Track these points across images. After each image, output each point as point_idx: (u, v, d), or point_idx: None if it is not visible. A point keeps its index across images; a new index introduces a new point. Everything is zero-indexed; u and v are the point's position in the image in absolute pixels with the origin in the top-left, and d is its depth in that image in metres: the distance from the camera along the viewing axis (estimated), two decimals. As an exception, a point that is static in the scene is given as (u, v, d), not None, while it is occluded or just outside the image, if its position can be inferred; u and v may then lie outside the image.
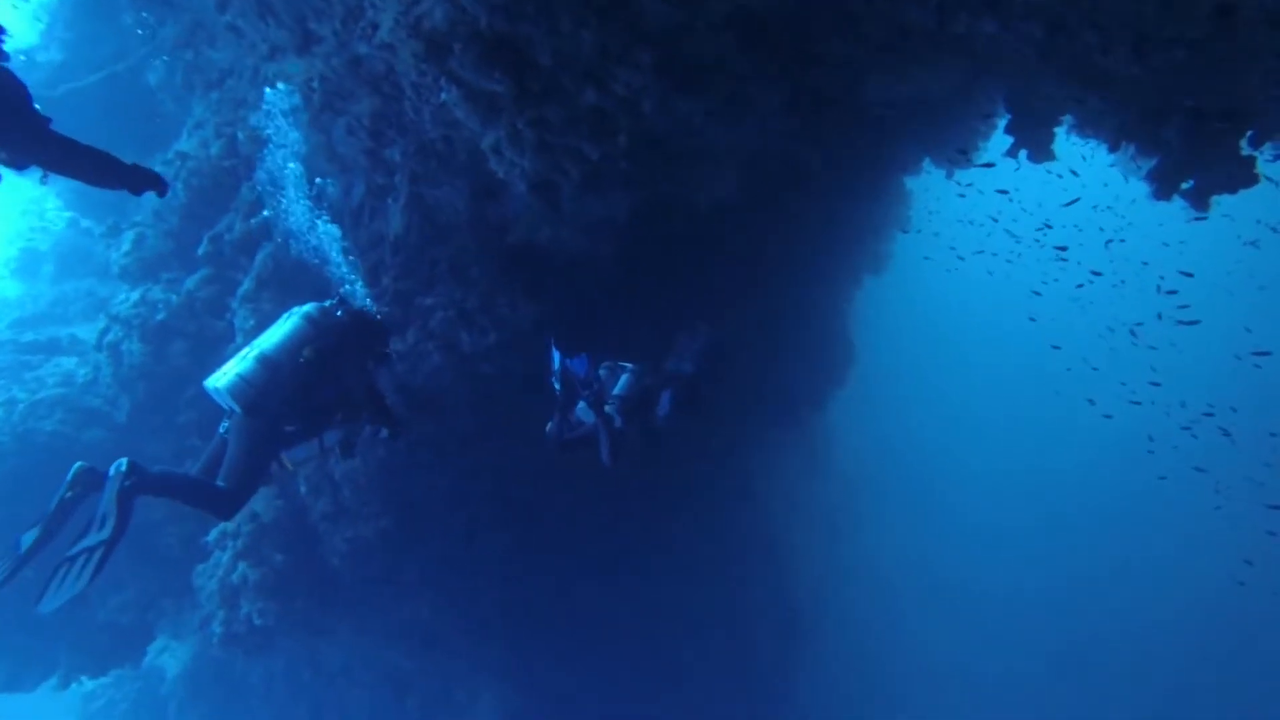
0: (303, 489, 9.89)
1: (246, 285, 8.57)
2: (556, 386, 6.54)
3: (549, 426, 6.58)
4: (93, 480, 4.35)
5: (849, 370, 15.93)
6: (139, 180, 3.94)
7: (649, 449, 6.81)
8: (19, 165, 3.44)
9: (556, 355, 6.50)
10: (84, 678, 10.89)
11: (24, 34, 12.66)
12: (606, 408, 6.39)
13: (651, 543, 11.92)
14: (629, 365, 6.67)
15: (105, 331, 8.91)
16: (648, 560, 12.02)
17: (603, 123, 5.54)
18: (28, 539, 4.26)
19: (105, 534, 4.07)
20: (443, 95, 5.48)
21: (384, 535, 9.76)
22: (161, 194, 4.15)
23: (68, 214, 13.80)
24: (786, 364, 13.18)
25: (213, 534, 9.39)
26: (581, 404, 6.49)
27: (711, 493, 12.89)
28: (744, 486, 14.29)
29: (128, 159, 3.92)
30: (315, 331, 5.02)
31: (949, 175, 11.14)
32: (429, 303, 8.48)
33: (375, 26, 5.53)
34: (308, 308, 5.19)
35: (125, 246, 9.15)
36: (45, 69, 12.14)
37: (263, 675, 13.80)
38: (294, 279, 8.61)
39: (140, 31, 10.07)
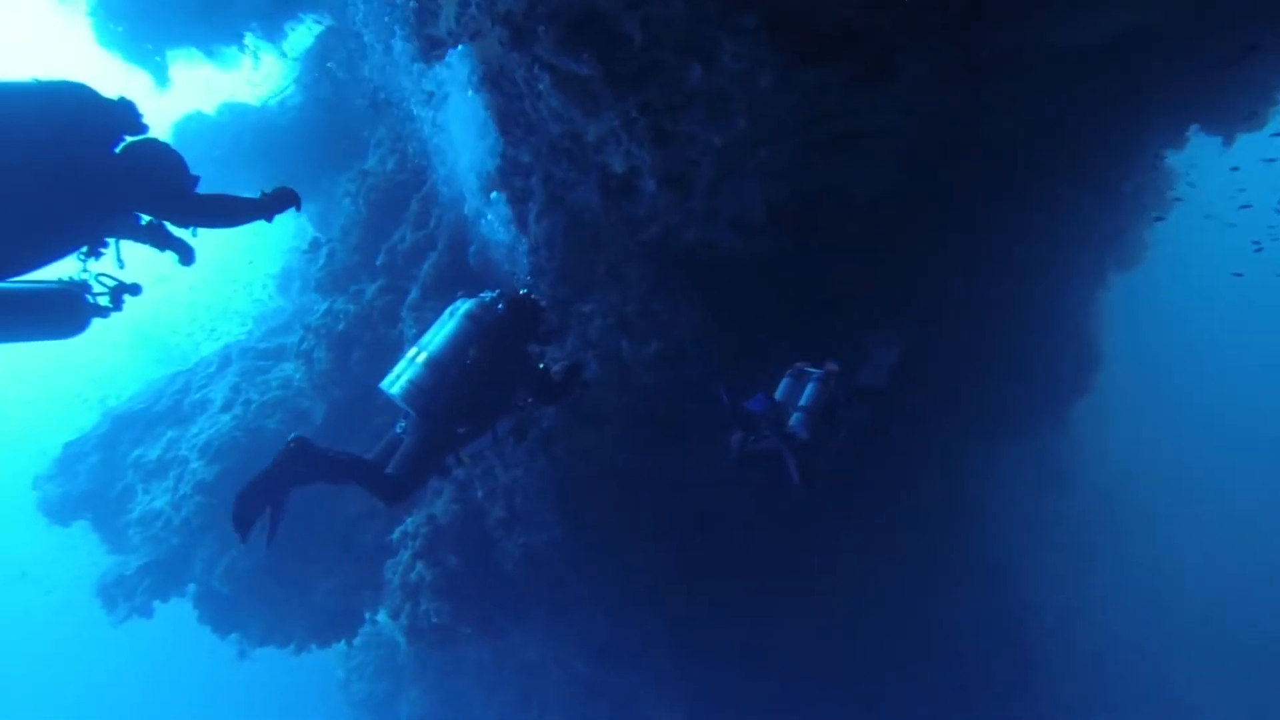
0: (479, 494, 9.98)
1: (413, 294, 8.73)
2: (724, 398, 6.01)
3: (733, 438, 6.06)
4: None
5: (1092, 376, 13.25)
6: (270, 208, 4.06)
7: (842, 462, 6.37)
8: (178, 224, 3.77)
9: (725, 399, 5.96)
10: (313, 645, 11.91)
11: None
12: (791, 423, 5.85)
13: (849, 561, 10.72)
14: (815, 370, 6.02)
15: (302, 340, 9.52)
16: (844, 579, 10.82)
17: (719, 104, 4.60)
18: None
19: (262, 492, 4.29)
20: (539, 85, 4.85)
21: (556, 545, 9.62)
22: (297, 208, 4.20)
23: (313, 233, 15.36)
24: (1011, 371, 11.18)
25: (395, 532, 9.74)
26: (794, 419, 5.94)
27: (921, 509, 11.31)
28: (963, 504, 12.42)
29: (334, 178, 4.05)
30: (478, 330, 4.90)
31: (1227, 144, 8.60)
32: (587, 309, 8.15)
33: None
34: (469, 305, 5.04)
35: (320, 261, 9.72)
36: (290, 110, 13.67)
37: (476, 660, 14.45)
38: (457, 287, 8.65)
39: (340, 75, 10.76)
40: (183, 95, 14.38)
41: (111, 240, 3.64)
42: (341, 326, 9.10)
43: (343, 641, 12.16)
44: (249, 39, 13.66)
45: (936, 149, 6.47)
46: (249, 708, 28.71)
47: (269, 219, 4.11)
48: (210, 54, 13.59)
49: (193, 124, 14.07)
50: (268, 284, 16.55)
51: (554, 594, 10.08)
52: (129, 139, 3.47)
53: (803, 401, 5.90)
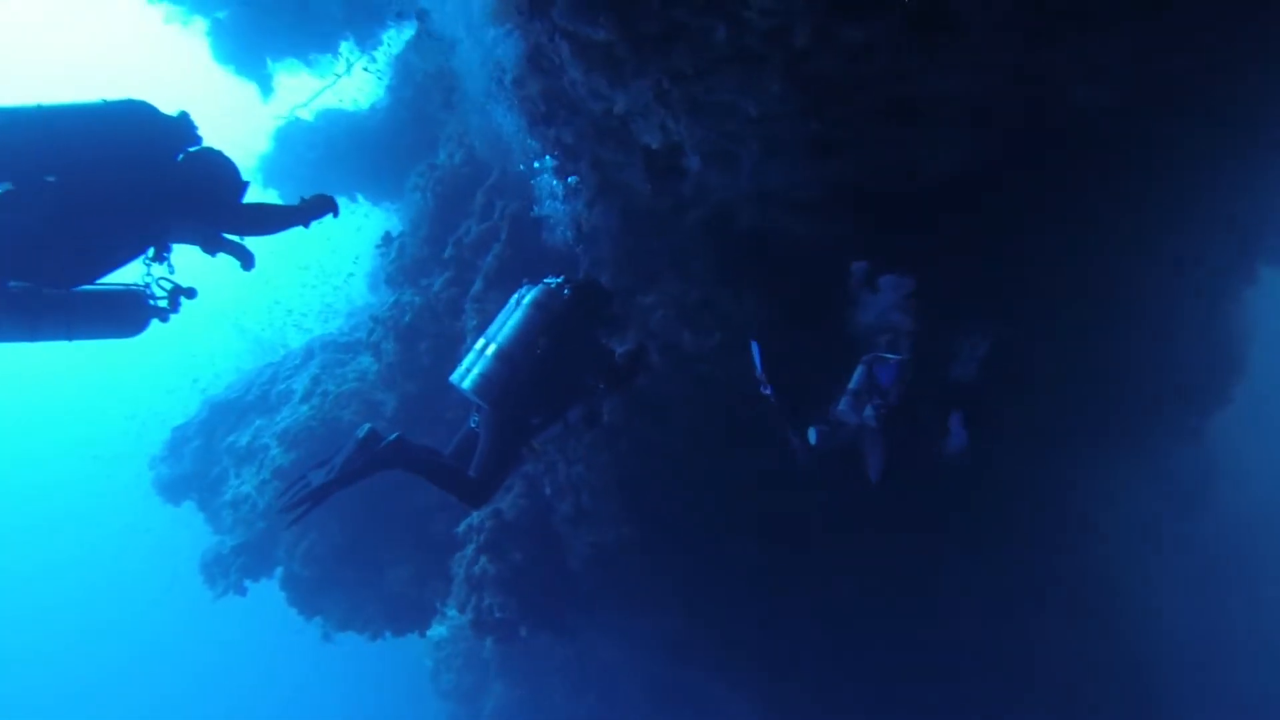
0: (547, 490, 9.92)
1: (477, 286, 8.73)
2: (767, 392, 5.93)
3: (811, 431, 5.84)
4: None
5: (1232, 385, 11.73)
6: (308, 214, 4.27)
7: (928, 465, 5.94)
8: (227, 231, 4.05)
9: (758, 358, 5.89)
10: (388, 633, 12.18)
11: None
12: (869, 409, 5.63)
13: (939, 571, 9.95)
14: (893, 357, 5.79)
15: (371, 333, 9.72)
16: (935, 592, 10.04)
17: (752, 68, 4.22)
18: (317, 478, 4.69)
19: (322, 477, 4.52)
20: (560, 56, 4.64)
21: (624, 543, 9.42)
22: (334, 214, 4.43)
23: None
24: (1130, 376, 10.07)
25: (461, 525, 9.78)
26: (843, 403, 5.75)
27: (1022, 524, 10.35)
28: (1076, 521, 11.28)
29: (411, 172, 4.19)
30: (546, 318, 4.92)
31: None
32: (648, 300, 7.93)
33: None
34: (535, 292, 5.07)
35: (391, 255, 9.90)
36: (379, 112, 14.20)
37: (560, 657, 14.44)
38: (520, 278, 8.59)
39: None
40: (285, 103, 15.18)
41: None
42: (408, 319, 9.24)
43: (415, 632, 12.35)
44: (344, 48, 14.29)
45: (1023, 119, 5.82)
46: (342, 690, 30.03)
47: (306, 225, 4.30)
48: (309, 63, 14.31)
49: (293, 129, 14.80)
50: (359, 282, 17.28)
51: (625, 593, 9.90)
52: (189, 150, 3.74)
53: (882, 386, 5.66)
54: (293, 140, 14.70)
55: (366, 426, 4.75)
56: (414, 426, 10.53)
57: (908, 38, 4.00)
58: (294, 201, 4.30)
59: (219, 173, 3.86)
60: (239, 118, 15.20)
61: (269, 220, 4.17)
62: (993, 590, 10.23)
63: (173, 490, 12.71)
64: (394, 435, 4.74)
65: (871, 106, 4.63)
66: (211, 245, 3.98)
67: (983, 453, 5.80)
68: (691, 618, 10.03)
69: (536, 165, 6.67)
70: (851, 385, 5.75)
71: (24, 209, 3.12)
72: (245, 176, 4.04)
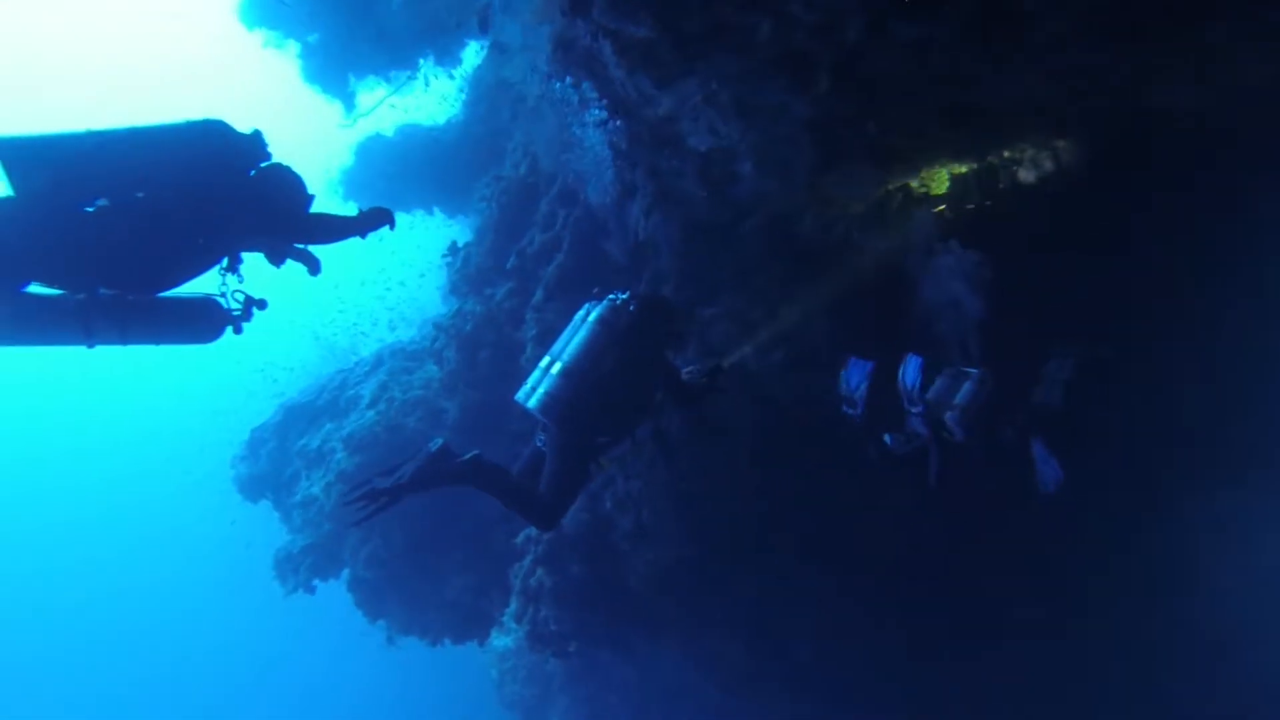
0: (608, 504, 9.84)
1: (537, 295, 8.78)
2: (851, 412, 5.89)
3: (886, 439, 5.79)
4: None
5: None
6: (365, 226, 4.42)
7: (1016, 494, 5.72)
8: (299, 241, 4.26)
9: (854, 372, 5.86)
10: (447, 640, 12.31)
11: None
12: (947, 417, 5.45)
13: (1030, 610, 9.28)
14: (973, 370, 5.61)
15: (434, 340, 9.89)
16: (1025, 637, 9.36)
17: (800, 68, 4.06)
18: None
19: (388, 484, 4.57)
20: (603, 56, 4.58)
21: (685, 562, 9.23)
22: (390, 227, 4.56)
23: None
24: (1256, 398, 9.19)
25: (520, 536, 9.79)
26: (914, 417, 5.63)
27: (1131, 573, 9.51)
28: (1187, 564, 10.19)
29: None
30: (612, 336, 4.89)
31: None
32: (709, 314, 7.81)
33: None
34: (600, 309, 5.04)
35: (457, 264, 10.07)
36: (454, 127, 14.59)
37: (622, 677, 14.30)
38: (581, 290, 8.59)
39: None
40: (366, 119, 15.76)
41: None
42: (469, 327, 9.34)
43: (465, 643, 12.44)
44: (423, 65, 14.77)
45: (1105, 125, 5.46)
46: (408, 694, 30.55)
47: (363, 236, 4.45)
48: (389, 81, 14.81)
49: (373, 144, 15.36)
50: (432, 292, 17.74)
51: (685, 614, 9.70)
52: (262, 165, 3.96)
53: (959, 399, 5.45)
54: (372, 155, 15.25)
55: (438, 441, 4.79)
56: (475, 434, 10.63)
57: (968, 36, 3.77)
58: None
59: (287, 186, 4.04)
60: (325, 133, 15.88)
61: (330, 231, 4.29)
62: (1090, 640, 9.47)
63: (251, 489, 13.23)
64: (472, 453, 4.77)
65: (934, 109, 4.39)
66: (277, 256, 4.15)
67: (1080, 488, 5.48)
68: (754, 643, 9.75)
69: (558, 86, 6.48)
70: (931, 395, 5.58)
71: (116, 223, 3.36)
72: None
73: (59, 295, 3.36)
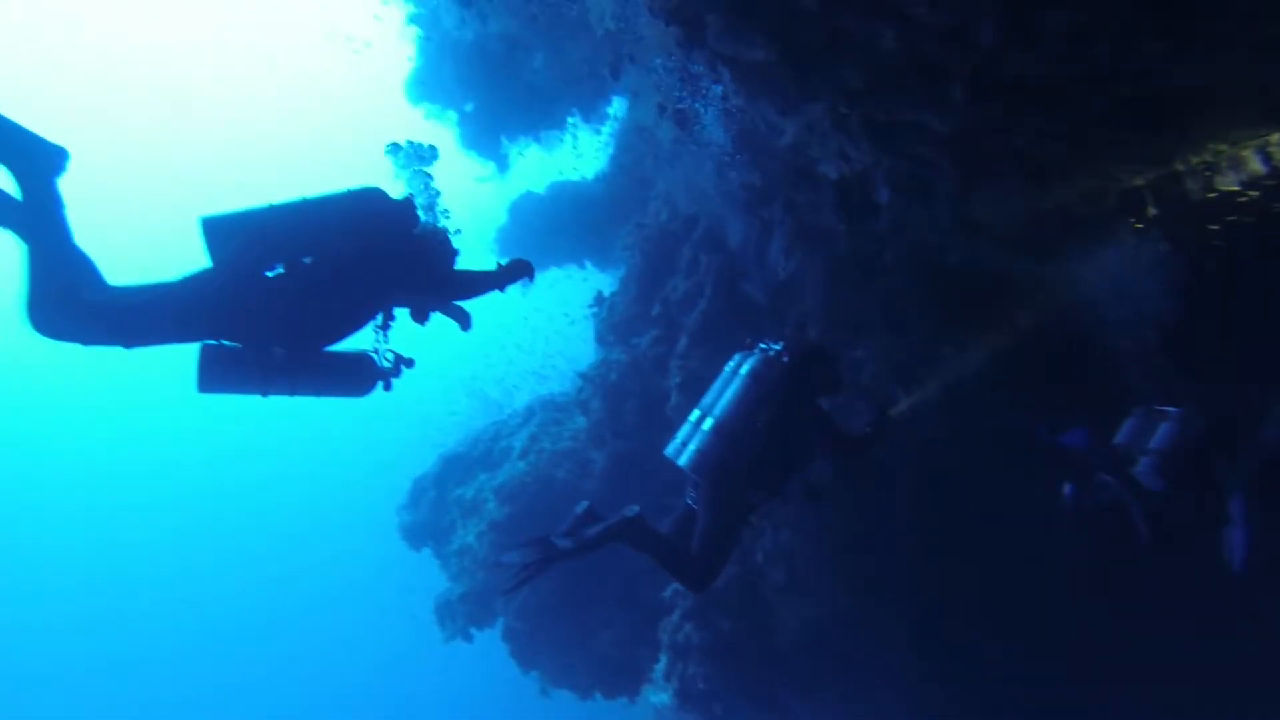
0: (759, 557, 9.55)
1: (682, 343, 8.74)
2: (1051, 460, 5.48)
3: (1065, 490, 5.38)
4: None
5: None
6: (505, 279, 4.53)
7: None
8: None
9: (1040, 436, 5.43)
10: (597, 694, 12.25)
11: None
12: (1139, 468, 5.02)
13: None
14: (1171, 410, 5.11)
15: (580, 391, 10.05)
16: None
17: (933, 78, 3.74)
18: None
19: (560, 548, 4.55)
20: (717, 86, 4.47)
21: (839, 616, 8.78)
22: (530, 279, 4.64)
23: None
24: None
25: (668, 589, 9.63)
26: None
27: None
28: None
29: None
30: (764, 389, 4.80)
31: None
32: (858, 354, 7.47)
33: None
34: (752, 361, 4.97)
35: (603, 314, 10.25)
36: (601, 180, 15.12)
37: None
38: (726, 336, 8.48)
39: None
40: (517, 178, 16.64)
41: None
42: (614, 377, 9.43)
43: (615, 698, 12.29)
44: (571, 123, 15.45)
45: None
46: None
47: (503, 289, 4.54)
48: (539, 139, 15.59)
49: (525, 201, 16.16)
50: (586, 344, 18.22)
51: (840, 672, 9.17)
52: (413, 228, 4.19)
53: (1154, 444, 5.00)
54: (524, 212, 16.03)
55: (584, 505, 4.78)
56: (624, 485, 10.64)
57: (1139, 15, 3.29)
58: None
59: (437, 245, 4.25)
60: (481, 194, 16.93)
61: (472, 286, 4.44)
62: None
63: (413, 536, 13.92)
64: (632, 510, 4.68)
65: (1095, 112, 3.89)
66: (421, 314, 4.35)
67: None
68: (915, 707, 9.02)
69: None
70: (1121, 438, 5.16)
71: (288, 286, 3.69)
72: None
73: (242, 350, 3.69)
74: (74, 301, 3.30)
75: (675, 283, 9.32)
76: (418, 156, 4.35)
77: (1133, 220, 5.36)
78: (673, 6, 4.10)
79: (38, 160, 3.25)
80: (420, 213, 4.30)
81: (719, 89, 4.87)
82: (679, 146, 6.36)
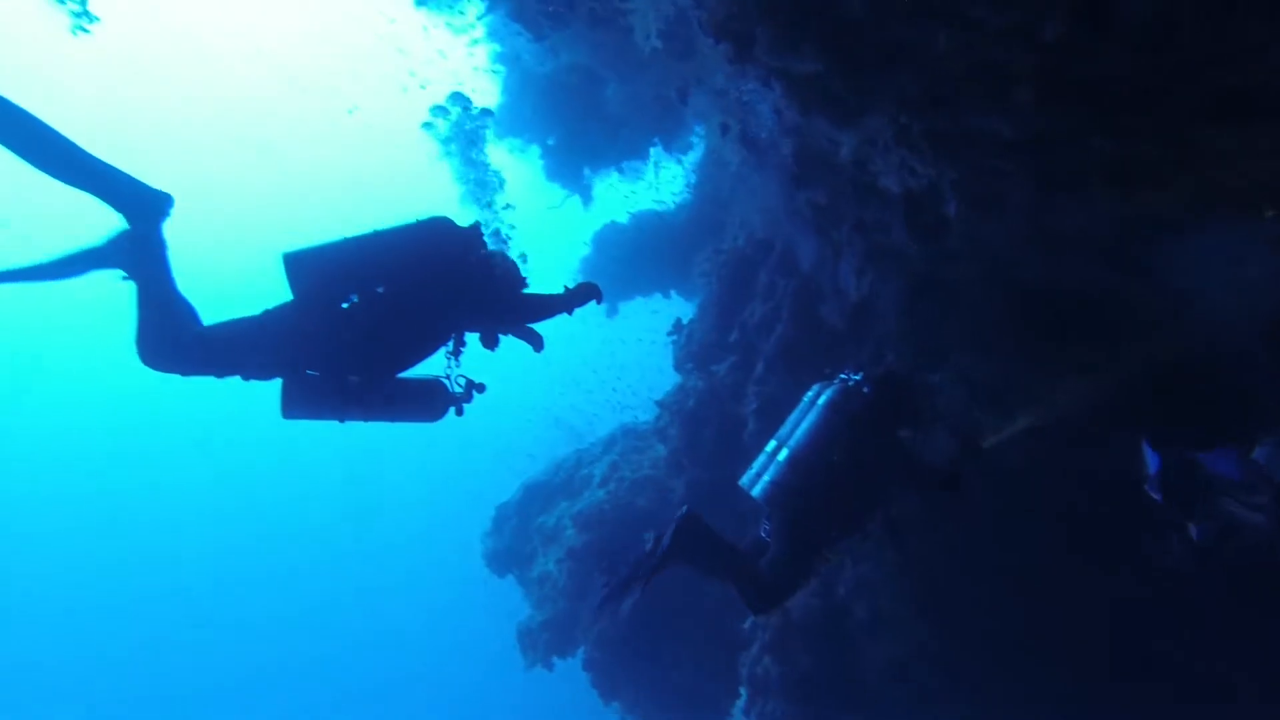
0: (841, 591, 9.30)
1: (758, 369, 8.67)
2: (1157, 497, 5.17)
3: (1192, 531, 5.02)
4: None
5: None
6: (573, 302, 4.60)
7: None
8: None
9: (1153, 458, 5.12)
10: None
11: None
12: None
13: None
14: None
15: (658, 418, 10.07)
16: None
17: (997, 78, 3.58)
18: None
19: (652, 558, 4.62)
20: (770, 103, 4.43)
21: (924, 654, 8.46)
22: (598, 301, 4.72)
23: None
24: None
25: (748, 621, 9.48)
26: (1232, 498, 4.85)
27: None
28: None
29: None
30: (843, 421, 4.72)
31: None
32: (935, 379, 7.23)
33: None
34: (831, 392, 4.90)
35: (682, 341, 10.28)
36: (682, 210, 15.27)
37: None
38: (803, 361, 8.35)
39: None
40: (600, 209, 16.97)
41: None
42: (691, 404, 9.42)
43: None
44: (653, 154, 15.69)
45: None
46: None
47: (570, 312, 4.61)
48: (621, 171, 15.89)
49: (608, 232, 16.46)
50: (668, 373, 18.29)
51: (924, 713, 8.79)
52: (480, 254, 4.33)
53: None
54: (607, 243, 16.31)
55: (651, 536, 4.82)
56: (703, 513, 10.57)
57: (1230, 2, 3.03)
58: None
59: (504, 271, 4.39)
60: (564, 226, 17.35)
61: (541, 309, 4.52)
62: None
63: (497, 563, 14.17)
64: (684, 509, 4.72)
65: (1184, 110, 3.60)
66: (491, 339, 4.46)
67: None
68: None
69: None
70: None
71: (362, 316, 3.84)
72: (570, 278, 4.56)
73: (319, 378, 3.88)
74: (171, 338, 3.58)
75: (753, 308, 9.27)
76: (464, 133, 4.46)
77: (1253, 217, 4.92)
78: (720, 21, 4.14)
79: (145, 206, 3.57)
80: (487, 239, 4.47)
81: (774, 105, 4.83)
82: (746, 168, 6.35)
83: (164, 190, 3.63)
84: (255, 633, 46.57)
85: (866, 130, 4.42)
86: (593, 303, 4.70)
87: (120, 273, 3.54)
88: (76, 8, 6.44)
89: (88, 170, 3.44)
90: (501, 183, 4.63)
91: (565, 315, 4.71)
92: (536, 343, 4.62)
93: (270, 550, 49.43)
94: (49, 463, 47.62)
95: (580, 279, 16.31)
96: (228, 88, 46.65)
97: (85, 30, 6.64)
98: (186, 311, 3.70)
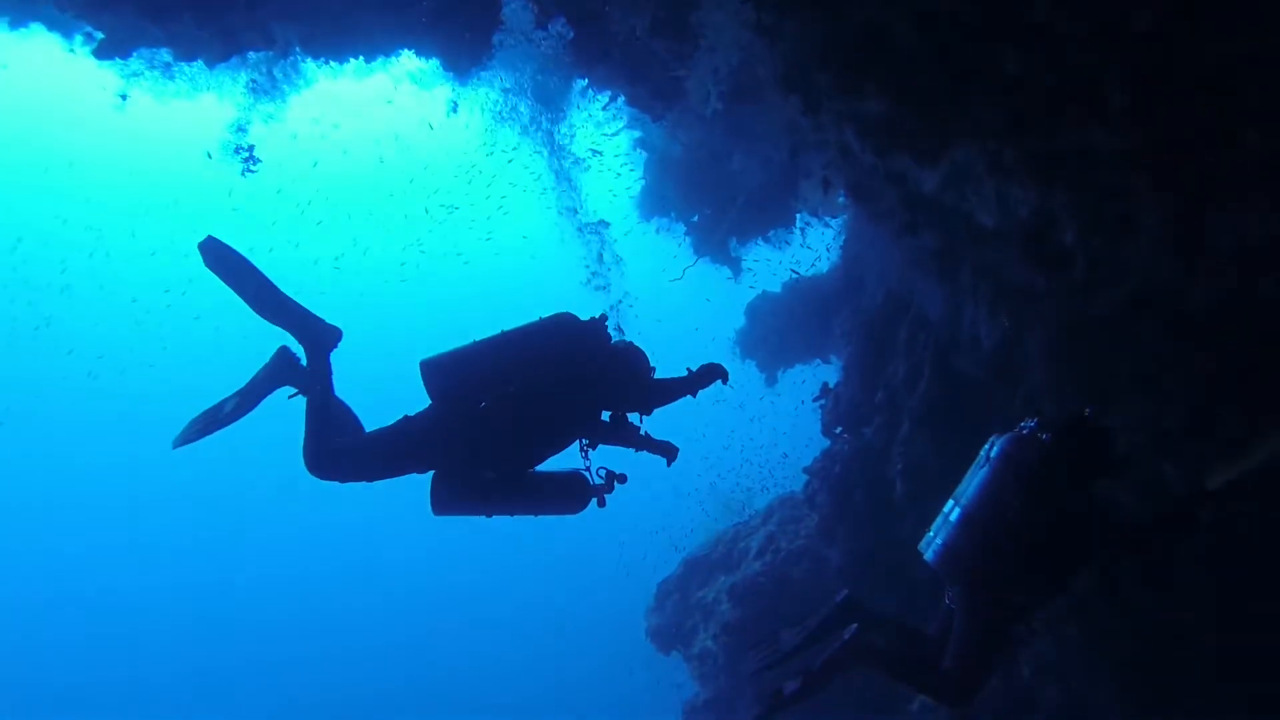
0: (1026, 671, 8.49)
1: (904, 429, 8.28)
2: None
3: None
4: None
5: None
6: (698, 384, 4.71)
7: None
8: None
9: None
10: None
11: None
12: None
13: None
14: None
15: (807, 485, 9.79)
16: None
17: (1082, 85, 3.24)
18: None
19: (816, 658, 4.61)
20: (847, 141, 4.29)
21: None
22: (724, 381, 4.82)
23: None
24: None
25: (914, 702, 8.74)
26: None
27: None
28: None
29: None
30: (1018, 473, 4.37)
31: None
32: (1111, 425, 6.52)
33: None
34: (1003, 442, 4.58)
35: (828, 405, 10.05)
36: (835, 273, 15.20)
37: None
38: (946, 417, 7.85)
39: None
40: (750, 279, 17.00)
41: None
42: (838, 469, 9.11)
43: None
44: (799, 219, 15.62)
45: None
46: None
47: (694, 394, 4.69)
48: (766, 239, 15.92)
49: (760, 301, 16.44)
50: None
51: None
52: (608, 346, 4.51)
53: None
54: (760, 313, 16.28)
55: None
56: (864, 585, 9.96)
57: None
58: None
59: (633, 362, 4.51)
60: (715, 300, 17.55)
61: (667, 393, 4.60)
62: None
63: (660, 639, 14.05)
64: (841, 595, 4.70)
65: None
66: (637, 442, 4.56)
67: None
68: None
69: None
70: None
71: (495, 416, 4.04)
72: (727, 350, 4.70)
73: (459, 476, 4.13)
74: (328, 451, 4.02)
75: (895, 366, 8.93)
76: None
77: None
78: (782, 75, 4.15)
79: (321, 337, 4.18)
80: (612, 331, 4.63)
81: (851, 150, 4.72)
82: (860, 221, 6.19)
83: (335, 324, 4.17)
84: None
85: (956, 163, 4.21)
86: (718, 381, 4.73)
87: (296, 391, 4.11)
88: (245, 154, 7.58)
89: (286, 311, 4.04)
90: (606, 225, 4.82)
91: (690, 398, 4.73)
92: (671, 454, 4.66)
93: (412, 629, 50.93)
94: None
95: (739, 351, 16.37)
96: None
97: (252, 171, 7.78)
98: (347, 421, 4.20)
